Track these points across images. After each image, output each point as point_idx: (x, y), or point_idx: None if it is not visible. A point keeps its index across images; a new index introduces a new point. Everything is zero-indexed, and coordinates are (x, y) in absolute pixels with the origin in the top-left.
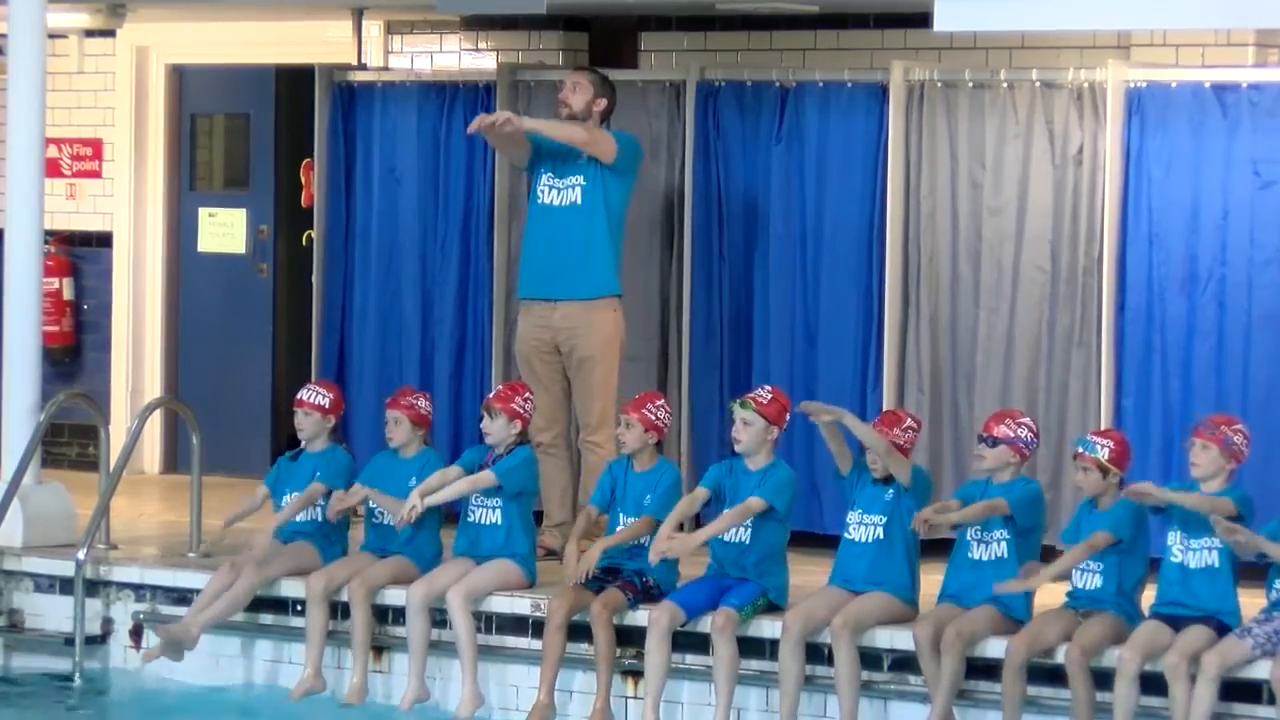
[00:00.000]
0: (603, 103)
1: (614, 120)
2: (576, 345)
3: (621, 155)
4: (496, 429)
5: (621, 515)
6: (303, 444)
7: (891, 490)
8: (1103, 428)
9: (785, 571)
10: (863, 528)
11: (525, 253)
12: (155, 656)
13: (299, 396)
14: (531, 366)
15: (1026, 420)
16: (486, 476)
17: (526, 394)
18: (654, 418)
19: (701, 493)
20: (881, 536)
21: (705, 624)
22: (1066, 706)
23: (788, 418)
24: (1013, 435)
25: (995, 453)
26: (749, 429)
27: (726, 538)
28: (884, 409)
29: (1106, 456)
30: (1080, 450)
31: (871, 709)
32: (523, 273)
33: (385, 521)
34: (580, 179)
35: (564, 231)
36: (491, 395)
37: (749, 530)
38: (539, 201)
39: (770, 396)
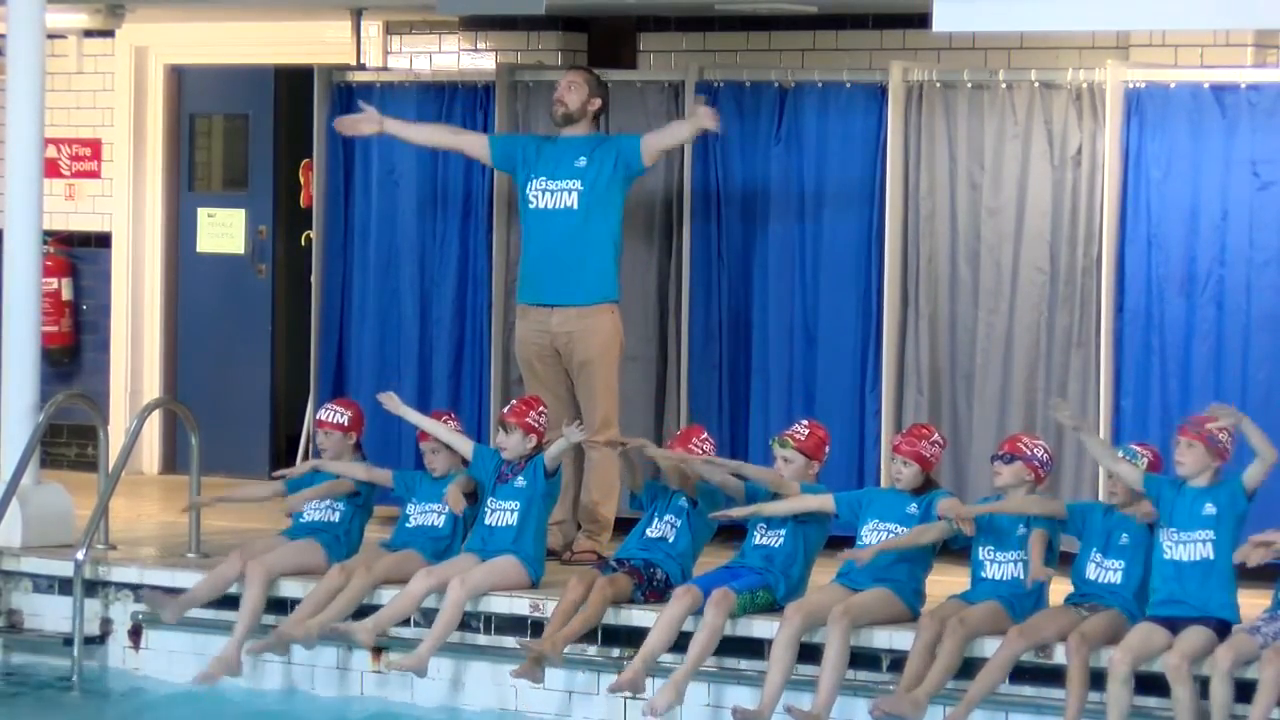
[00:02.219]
0: (597, 102)
1: (613, 120)
2: (575, 349)
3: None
4: (513, 444)
5: (656, 518)
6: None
7: (917, 504)
8: (1100, 429)
9: (802, 578)
10: (874, 535)
11: (523, 258)
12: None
13: (318, 417)
14: (533, 369)
15: (1042, 442)
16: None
17: (541, 408)
18: (700, 452)
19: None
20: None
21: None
22: (1063, 706)
23: (826, 450)
24: (1029, 453)
25: (1012, 469)
26: (790, 466)
27: (760, 542)
28: (880, 412)
29: (1144, 467)
30: (1121, 456)
31: (868, 709)
32: (521, 278)
33: (418, 524)
34: (576, 183)
35: (560, 236)
36: (506, 410)
37: (781, 536)
38: (530, 206)
39: (808, 432)
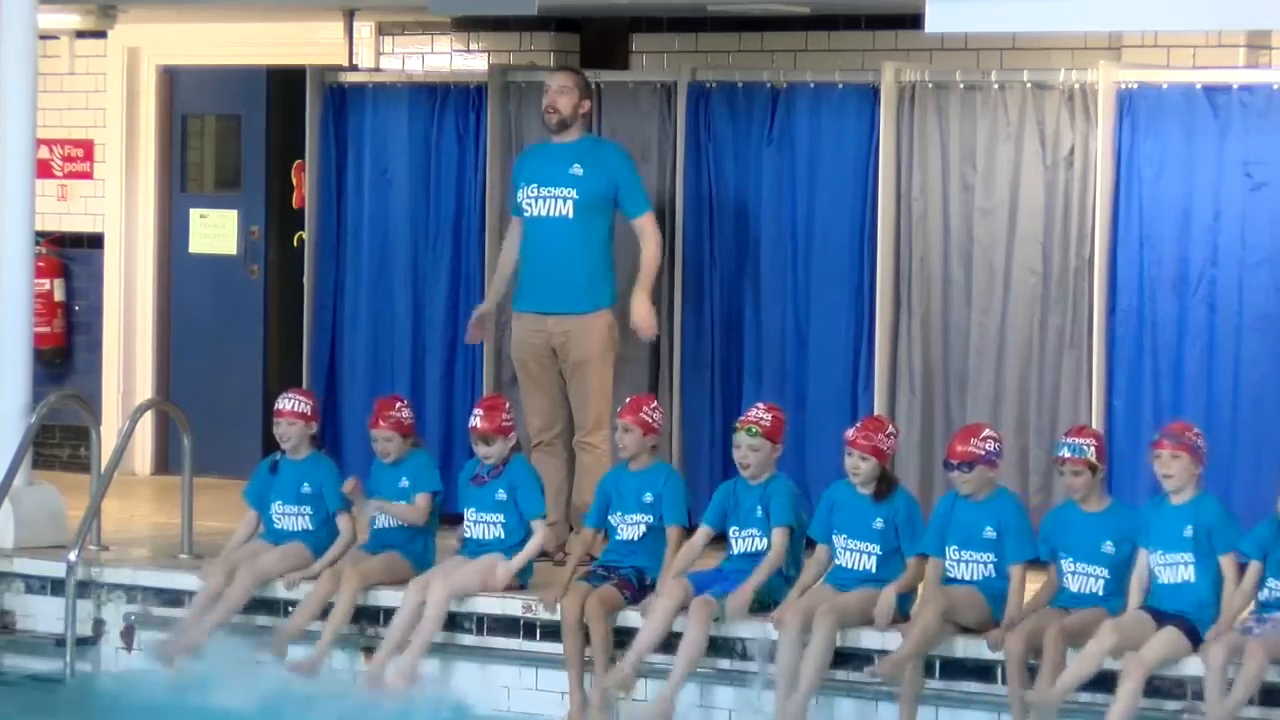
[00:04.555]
0: (586, 104)
1: (605, 122)
2: (571, 349)
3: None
4: (495, 451)
5: (621, 514)
6: (286, 452)
7: (881, 519)
8: (1095, 429)
9: (794, 571)
10: (847, 554)
11: (522, 267)
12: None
13: (279, 407)
14: (528, 369)
15: (990, 433)
16: (539, 534)
17: (507, 406)
18: (651, 420)
19: (705, 532)
20: (874, 569)
21: None
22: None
23: (785, 431)
24: (983, 453)
25: (975, 474)
26: (757, 454)
27: (741, 550)
28: (874, 413)
29: (1094, 455)
30: (1069, 455)
31: (862, 709)
32: (519, 287)
33: (384, 524)
34: (570, 191)
35: (557, 244)
36: (479, 425)
37: (767, 540)
38: (525, 214)
39: (770, 417)
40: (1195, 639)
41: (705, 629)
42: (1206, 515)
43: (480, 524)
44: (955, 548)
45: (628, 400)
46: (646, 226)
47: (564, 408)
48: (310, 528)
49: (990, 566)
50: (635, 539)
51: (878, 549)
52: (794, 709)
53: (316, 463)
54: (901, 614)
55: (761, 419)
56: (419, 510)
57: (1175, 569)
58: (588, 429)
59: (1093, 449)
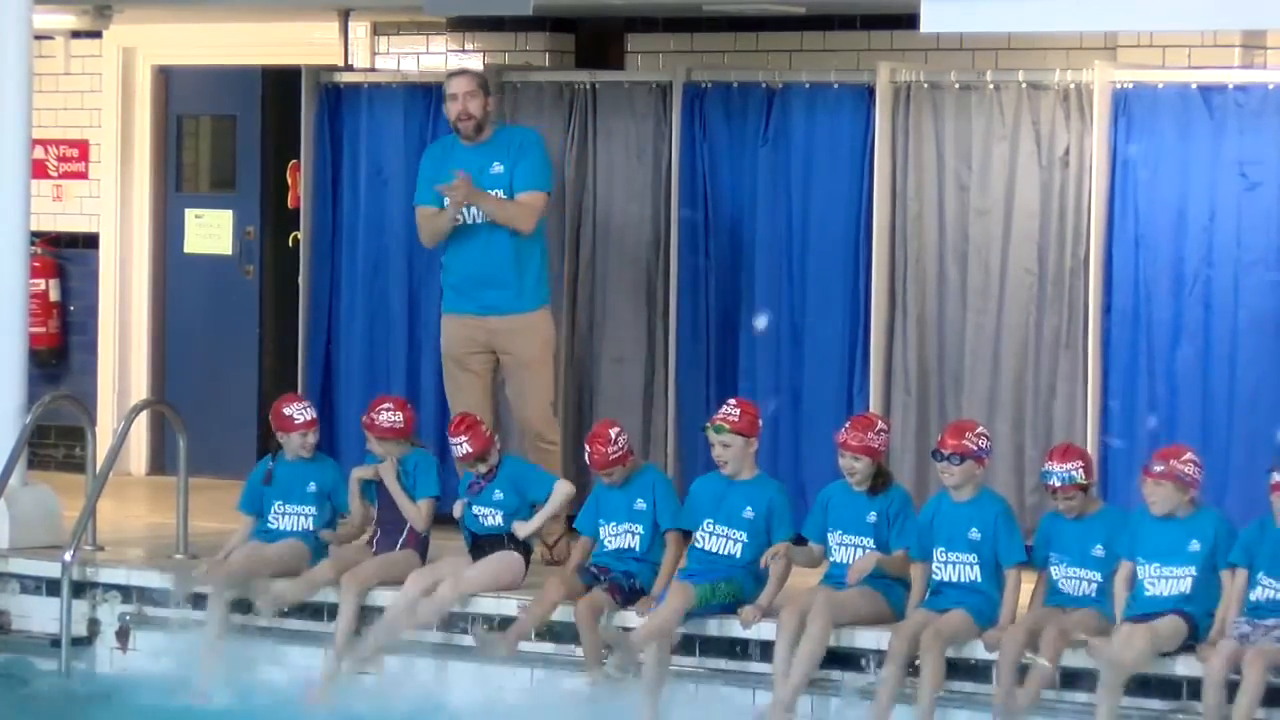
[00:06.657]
0: (491, 101)
1: (600, 123)
2: (515, 351)
3: (548, 186)
4: (487, 465)
5: (614, 524)
6: (290, 458)
7: (875, 513)
8: (1089, 429)
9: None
10: (842, 550)
11: (450, 270)
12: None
13: (296, 419)
14: (464, 364)
15: (983, 430)
16: (563, 490)
17: (478, 420)
18: (623, 449)
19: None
20: None
21: (693, 626)
22: (1051, 706)
23: (760, 424)
24: (975, 448)
25: (963, 468)
26: (730, 450)
27: (712, 548)
28: (867, 411)
29: (1083, 476)
30: (1059, 484)
31: (857, 710)
32: (449, 289)
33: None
34: (497, 192)
35: (490, 249)
36: (463, 455)
37: (741, 545)
38: (454, 222)
39: (739, 412)
40: (1193, 629)
41: (680, 607)
42: (1213, 531)
43: (480, 518)
44: (942, 549)
45: (591, 449)
46: (532, 203)
47: (492, 401)
48: (312, 528)
49: (975, 569)
50: (626, 548)
51: (871, 544)
52: (780, 704)
53: (324, 464)
54: (896, 613)
55: (729, 415)
56: (421, 514)
57: (1170, 582)
58: (540, 430)
59: (1081, 470)
